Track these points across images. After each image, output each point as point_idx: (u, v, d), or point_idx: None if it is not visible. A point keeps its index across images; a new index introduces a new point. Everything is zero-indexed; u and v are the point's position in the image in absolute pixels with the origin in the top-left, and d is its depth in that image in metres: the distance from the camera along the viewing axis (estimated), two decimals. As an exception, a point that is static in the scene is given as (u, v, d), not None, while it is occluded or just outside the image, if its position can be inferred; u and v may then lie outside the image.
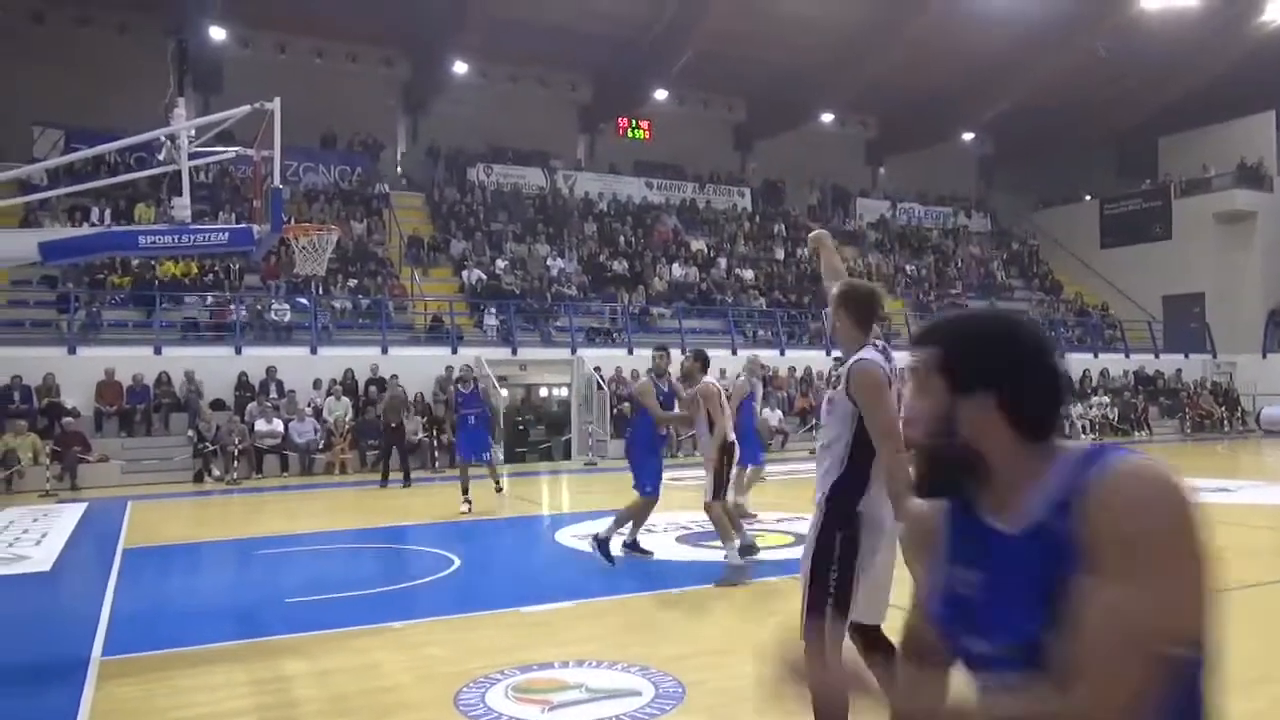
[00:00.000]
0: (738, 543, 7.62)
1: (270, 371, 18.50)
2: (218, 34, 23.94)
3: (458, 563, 8.65)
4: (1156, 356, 29.10)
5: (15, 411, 16.38)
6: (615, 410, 20.39)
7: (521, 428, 21.19)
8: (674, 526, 9.88)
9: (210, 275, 20.58)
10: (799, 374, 23.07)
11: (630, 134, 30.88)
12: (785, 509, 10.84)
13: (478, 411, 12.56)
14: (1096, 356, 28.26)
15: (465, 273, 23.46)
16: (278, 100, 6.63)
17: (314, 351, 19.45)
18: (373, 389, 18.66)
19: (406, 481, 15.48)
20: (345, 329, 20.90)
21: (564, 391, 22.27)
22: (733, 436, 7.76)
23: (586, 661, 5.29)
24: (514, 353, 21.20)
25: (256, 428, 17.26)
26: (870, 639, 3.55)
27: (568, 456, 20.87)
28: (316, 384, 18.78)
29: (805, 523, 3.66)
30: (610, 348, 22.22)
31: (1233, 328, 28.98)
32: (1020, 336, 1.41)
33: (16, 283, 19.08)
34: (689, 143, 30.83)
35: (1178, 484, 1.28)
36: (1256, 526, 10.74)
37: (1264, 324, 29.08)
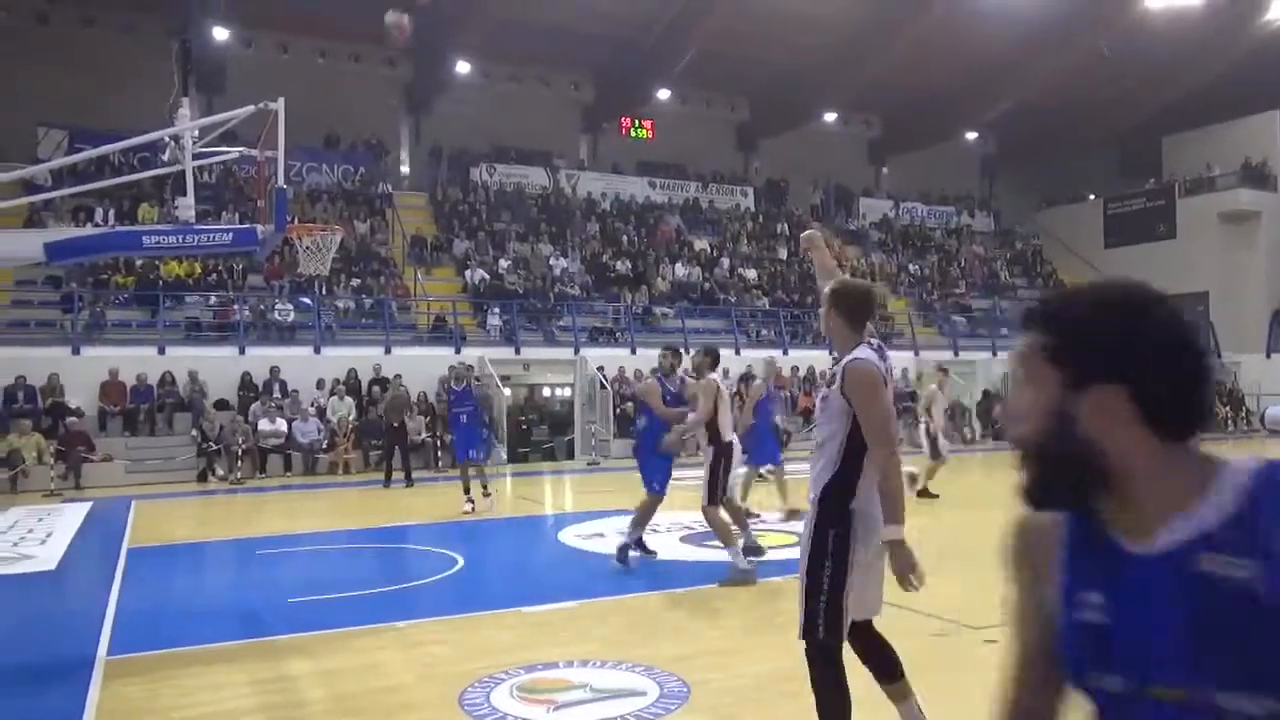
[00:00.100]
0: (741, 544, 7.61)
1: (274, 371, 18.52)
2: (221, 34, 23.96)
3: (461, 562, 8.65)
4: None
5: (20, 411, 16.41)
6: (618, 410, 20.40)
7: (524, 427, 21.18)
8: (678, 526, 9.87)
9: (214, 275, 20.59)
10: (802, 374, 23.06)
11: (633, 133, 30.88)
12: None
13: (470, 410, 12.42)
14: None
15: (468, 272, 23.47)
16: (281, 100, 6.63)
17: (317, 351, 19.47)
18: (376, 389, 18.67)
19: (409, 481, 15.49)
20: (348, 329, 20.91)
21: (567, 391, 22.27)
22: (729, 437, 7.66)
23: (591, 661, 5.28)
24: (517, 352, 21.20)
25: (260, 427, 17.28)
26: (861, 634, 3.53)
27: (570, 456, 20.87)
28: (320, 384, 18.79)
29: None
30: (613, 347, 22.22)
31: (1237, 327, 28.92)
32: (1154, 313, 1.17)
33: (21, 283, 19.11)
34: (692, 142, 30.83)
35: None
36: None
37: (1268, 324, 29.02)
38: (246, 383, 18.33)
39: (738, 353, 21.50)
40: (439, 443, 18.12)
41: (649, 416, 8.29)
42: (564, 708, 4.58)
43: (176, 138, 6.83)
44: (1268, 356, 28.47)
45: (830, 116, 31.31)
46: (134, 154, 17.23)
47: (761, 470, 10.99)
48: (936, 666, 5.03)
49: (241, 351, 18.85)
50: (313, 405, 18.19)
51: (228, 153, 7.89)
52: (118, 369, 17.46)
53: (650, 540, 8.71)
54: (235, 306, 19.77)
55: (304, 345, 19.56)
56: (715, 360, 7.89)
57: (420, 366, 19.23)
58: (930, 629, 5.89)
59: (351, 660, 5.52)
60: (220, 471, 16.61)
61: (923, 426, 13.01)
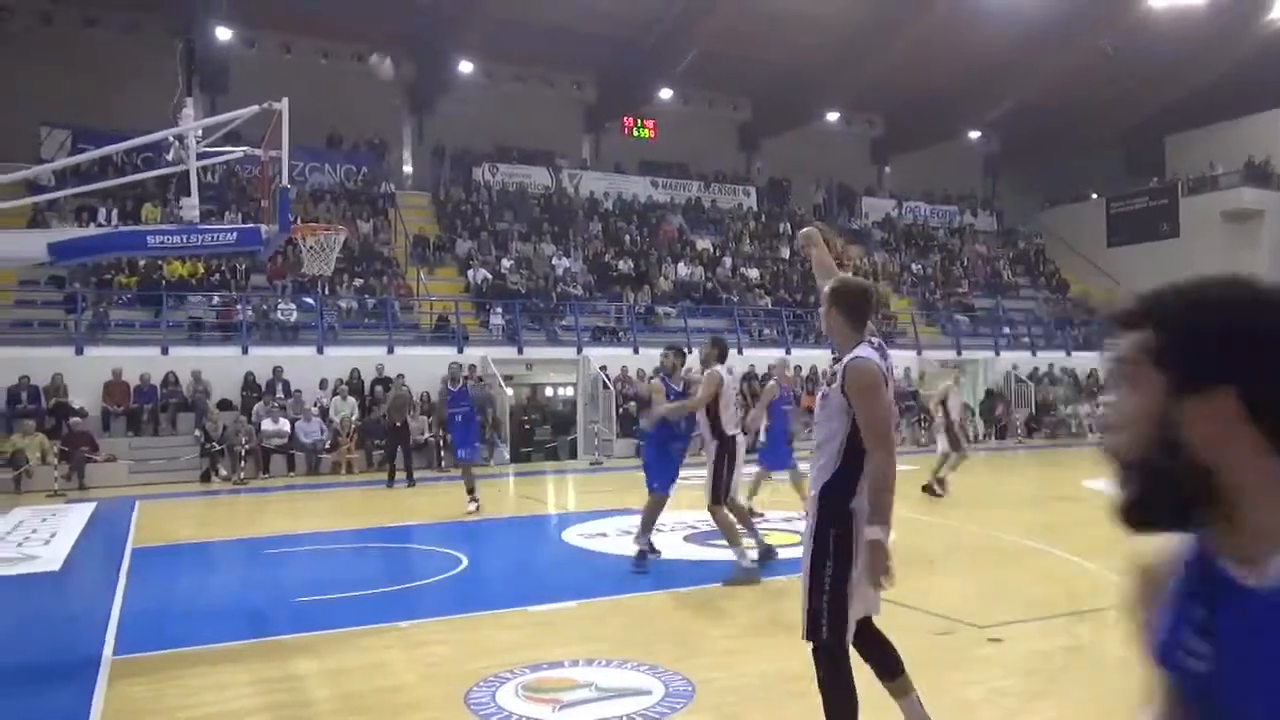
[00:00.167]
0: (748, 544, 7.59)
1: (277, 371, 18.54)
2: (224, 34, 24.00)
3: (465, 562, 8.65)
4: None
5: (23, 411, 16.43)
6: (621, 409, 20.41)
7: (527, 427, 21.18)
8: (681, 526, 9.87)
9: (217, 275, 20.61)
10: (804, 373, 23.05)
11: (635, 133, 30.88)
12: (792, 508, 10.81)
13: (465, 410, 12.38)
14: (1104, 355, 28.11)
15: (471, 272, 23.47)
16: (285, 100, 6.64)
17: (320, 351, 19.48)
18: (379, 389, 18.68)
19: (411, 481, 15.50)
20: (351, 329, 20.92)
21: (569, 391, 22.27)
22: (732, 431, 7.61)
23: (596, 660, 5.28)
24: (520, 352, 21.21)
25: (263, 427, 17.29)
26: (861, 631, 3.53)
27: (573, 456, 20.87)
28: (323, 384, 18.81)
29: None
30: (616, 347, 22.22)
31: (1240, 326, 28.85)
32: (1272, 310, 1.04)
33: (24, 283, 19.14)
34: (694, 142, 30.83)
35: None
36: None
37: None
38: (250, 383, 18.35)
39: (740, 352, 21.47)
40: (441, 443, 18.14)
41: (652, 417, 8.27)
42: (569, 707, 4.58)
43: (181, 138, 6.84)
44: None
45: (833, 116, 31.29)
46: (137, 154, 17.22)
47: (774, 475, 10.90)
48: (938, 664, 5.04)
49: (244, 351, 18.86)
50: (316, 405, 18.20)
51: (231, 152, 7.90)
52: (121, 369, 17.48)
53: (654, 540, 8.67)
54: (238, 306, 19.78)
55: (307, 345, 19.57)
56: (723, 353, 7.84)
57: (423, 366, 19.22)
58: (932, 627, 5.90)
59: (357, 660, 5.53)
60: (223, 472, 16.62)
61: (940, 421, 13.01)
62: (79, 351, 17.71)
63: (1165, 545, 1.14)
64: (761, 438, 10.90)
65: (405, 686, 5.03)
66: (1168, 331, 1.06)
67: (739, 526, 7.70)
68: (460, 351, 20.11)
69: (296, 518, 12.98)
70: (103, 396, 17.33)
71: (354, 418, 18.25)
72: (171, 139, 6.93)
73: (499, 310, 22.00)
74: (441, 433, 18.07)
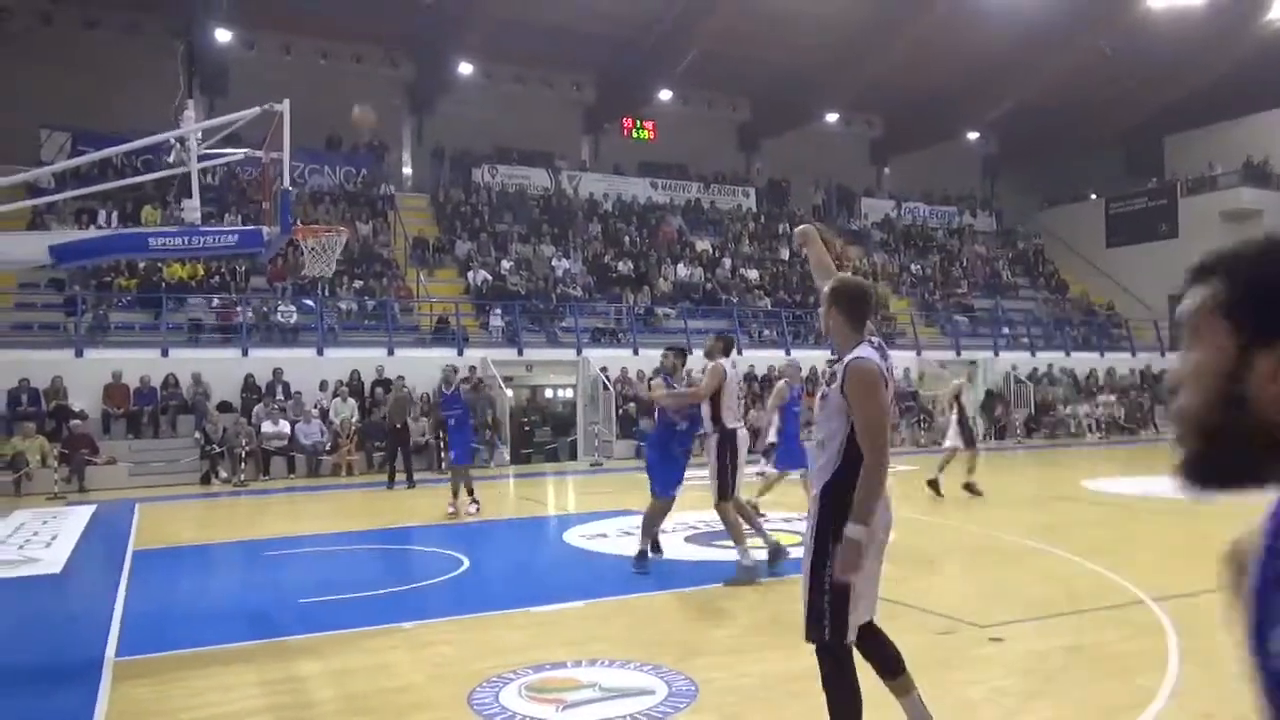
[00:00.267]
0: (755, 543, 7.56)
1: (277, 373, 18.55)
2: (223, 36, 24.01)
3: (466, 563, 8.66)
4: (1163, 355, 29.01)
5: (23, 414, 16.43)
6: (621, 411, 20.42)
7: (527, 429, 21.18)
8: (683, 526, 9.88)
9: (216, 277, 20.62)
10: (804, 374, 23.04)
11: (635, 134, 30.91)
12: (793, 508, 10.82)
13: (458, 414, 12.19)
14: (1103, 355, 28.24)
15: (470, 274, 23.49)
16: (286, 102, 6.65)
17: (320, 353, 19.49)
18: (379, 390, 18.69)
19: (411, 483, 15.50)
20: (351, 330, 20.94)
21: (569, 392, 22.28)
22: (734, 424, 7.50)
23: (599, 660, 5.29)
24: (519, 353, 21.22)
25: (263, 429, 17.30)
26: (862, 630, 3.53)
27: (573, 457, 20.88)
28: (323, 385, 18.81)
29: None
30: (616, 348, 22.24)
31: (1239, 326, 28.89)
32: None
33: (24, 286, 19.14)
34: (693, 143, 30.85)
35: None
36: (1265, 525, 10.71)
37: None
38: (249, 385, 18.35)
39: (740, 353, 21.46)
40: (442, 444, 18.13)
41: (655, 419, 8.26)
42: (573, 707, 4.59)
43: (182, 139, 6.85)
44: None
45: (832, 116, 31.33)
46: (136, 156, 17.23)
47: (791, 475, 10.88)
48: (940, 664, 5.05)
49: (244, 353, 18.87)
50: (315, 407, 18.20)
51: (233, 154, 7.91)
52: (121, 371, 17.49)
53: (660, 540, 8.65)
54: (238, 308, 19.79)
55: (307, 347, 19.59)
56: (727, 347, 7.75)
57: (423, 368, 19.23)
58: (934, 626, 5.91)
59: (361, 660, 5.54)
60: (223, 474, 16.62)
61: (954, 418, 13.03)
62: (79, 354, 17.72)
63: (1254, 528, 1.07)
64: (773, 438, 10.91)
65: (409, 687, 5.04)
66: (1237, 284, 1.02)
67: (745, 526, 7.65)
68: (460, 353, 20.15)
69: (297, 520, 12.99)
70: (103, 399, 17.33)
71: (354, 419, 18.25)
72: (173, 141, 6.94)
73: (499, 312, 22.01)
74: (440, 435, 18.09)
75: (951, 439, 13.02)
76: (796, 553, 8.18)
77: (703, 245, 27.83)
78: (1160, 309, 30.87)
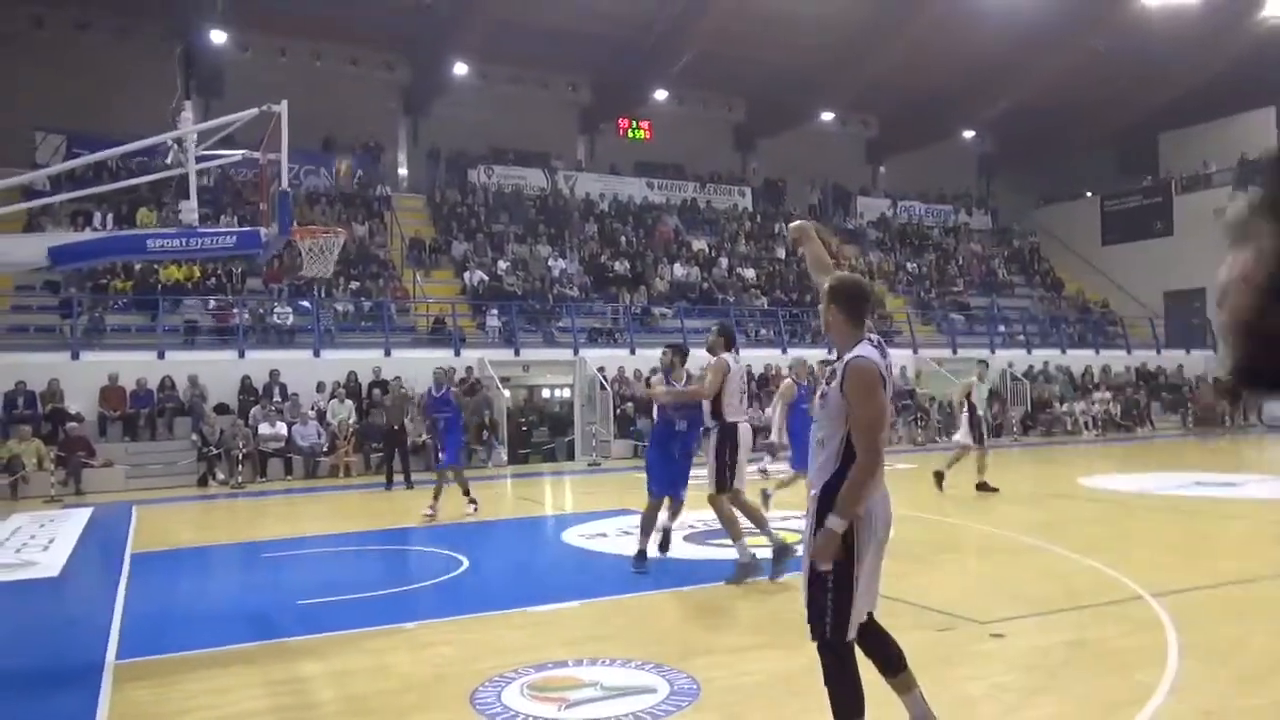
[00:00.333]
0: (759, 541, 7.52)
1: (273, 375, 18.53)
2: (218, 38, 23.97)
3: (466, 563, 8.66)
4: (1158, 352, 29.12)
5: (19, 417, 16.41)
6: (618, 411, 20.43)
7: (524, 429, 21.18)
8: (682, 525, 9.86)
9: (213, 279, 20.60)
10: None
11: (631, 134, 30.91)
12: (792, 507, 10.84)
13: (448, 416, 12.05)
14: (1098, 353, 28.30)
15: (467, 274, 23.49)
16: (284, 103, 6.63)
17: (317, 354, 19.47)
18: (376, 391, 18.67)
19: (409, 483, 15.50)
20: (348, 332, 20.93)
21: (566, 392, 22.28)
22: (735, 418, 7.40)
23: (600, 659, 5.30)
24: (516, 354, 21.22)
25: (260, 431, 17.28)
26: (863, 627, 3.54)
27: (571, 457, 20.87)
28: (320, 387, 18.79)
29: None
30: (612, 348, 22.25)
31: (1234, 323, 28.94)
32: None
33: (20, 288, 19.11)
34: (689, 143, 30.88)
35: None
36: (1263, 520, 10.75)
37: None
38: (246, 386, 18.33)
39: (737, 352, 21.46)
40: (439, 445, 18.09)
41: (656, 418, 8.23)
42: (575, 705, 4.59)
43: (179, 141, 6.84)
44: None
45: (828, 116, 31.36)
46: (131, 158, 17.21)
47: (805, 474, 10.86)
48: (940, 660, 5.06)
49: (241, 355, 18.86)
50: (313, 408, 18.19)
51: (230, 156, 7.91)
52: (117, 374, 17.46)
53: (655, 540, 8.61)
54: (234, 310, 19.77)
55: (303, 348, 19.57)
56: (730, 340, 7.63)
57: (420, 369, 19.16)
58: (934, 623, 5.92)
59: (362, 661, 5.54)
60: (221, 476, 16.60)
61: (965, 417, 13.07)
62: (75, 356, 17.69)
63: None
64: (775, 436, 10.91)
65: (411, 688, 5.04)
66: None
67: (748, 524, 7.54)
68: (457, 354, 20.16)
69: (295, 521, 12.98)
70: (99, 401, 17.30)
71: (351, 421, 18.24)
72: (170, 143, 6.93)
73: (495, 312, 22.02)
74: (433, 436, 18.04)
75: (962, 436, 13.07)
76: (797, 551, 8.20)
77: (699, 245, 27.85)
78: (1155, 306, 30.98)
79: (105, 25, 23.97)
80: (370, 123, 27.18)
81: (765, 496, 10.52)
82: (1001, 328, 28.52)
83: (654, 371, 8.99)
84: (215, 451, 16.76)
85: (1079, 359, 27.54)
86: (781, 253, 28.70)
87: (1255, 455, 20.76)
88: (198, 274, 20.44)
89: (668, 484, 7.94)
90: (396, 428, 15.95)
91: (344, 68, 26.54)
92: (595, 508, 12.51)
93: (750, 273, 27.20)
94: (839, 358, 3.60)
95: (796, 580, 6.71)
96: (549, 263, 24.95)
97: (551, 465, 20.19)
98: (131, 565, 9.05)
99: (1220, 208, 29.64)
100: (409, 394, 17.12)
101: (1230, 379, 1.02)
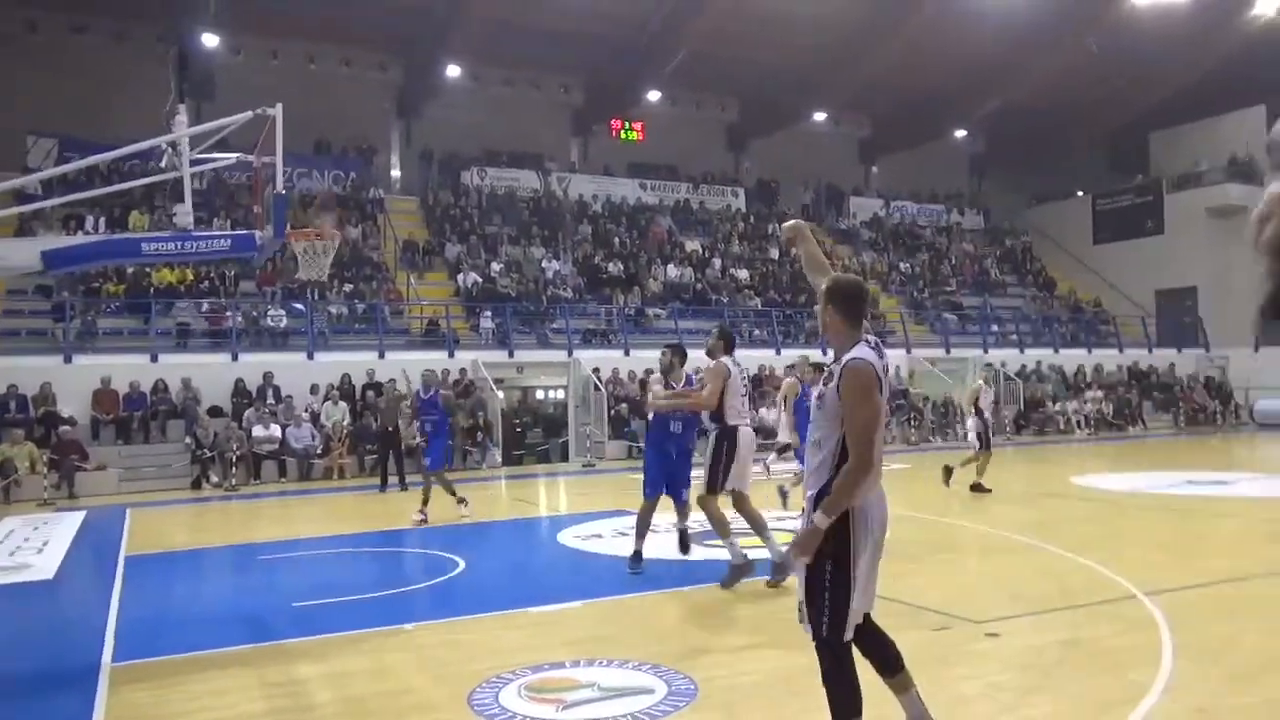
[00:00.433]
0: (750, 543, 7.51)
1: (267, 377, 18.49)
2: (210, 40, 23.92)
3: (462, 565, 8.66)
4: (1150, 351, 29.23)
5: (11, 421, 16.36)
6: (612, 412, 20.44)
7: (519, 430, 21.18)
8: (677, 526, 9.87)
9: (206, 282, 20.56)
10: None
11: (624, 135, 30.92)
12: (790, 507, 10.86)
13: (435, 418, 11.95)
14: (1090, 352, 28.41)
15: (461, 276, 23.49)
16: (279, 106, 6.63)
17: (310, 357, 19.44)
18: (370, 393, 18.64)
19: (403, 485, 15.48)
20: (341, 334, 20.90)
21: (561, 394, 22.30)
22: (735, 421, 7.32)
23: (598, 660, 5.31)
24: (510, 355, 21.21)
25: (254, 434, 17.24)
26: (860, 627, 3.55)
27: (565, 458, 20.88)
28: (314, 389, 18.76)
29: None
30: (607, 349, 22.26)
31: (1225, 322, 29.10)
32: None
33: (12, 292, 19.05)
34: (682, 143, 30.92)
35: None
36: (1254, 519, 10.82)
37: (1256, 318, 29.16)
38: (240, 389, 18.29)
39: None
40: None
41: (651, 420, 8.22)
42: (573, 706, 4.61)
43: (174, 145, 6.83)
44: (1256, 351, 28.65)
45: (820, 116, 31.41)
46: (123, 161, 17.18)
47: None
48: (936, 660, 5.09)
49: (234, 358, 18.82)
50: (306, 411, 18.16)
51: (225, 159, 7.88)
52: (110, 377, 17.41)
53: (650, 541, 8.57)
54: (227, 313, 19.73)
55: (297, 351, 19.54)
56: (729, 344, 7.53)
57: (413, 371, 19.10)
58: (930, 623, 5.95)
59: (359, 663, 5.54)
60: (214, 478, 16.57)
61: (971, 420, 13.16)
62: (67, 360, 17.64)
63: None
64: (784, 436, 10.93)
65: (409, 689, 5.05)
66: None
67: (731, 528, 7.50)
68: (451, 355, 20.17)
69: (290, 523, 12.98)
70: (92, 405, 17.25)
71: (345, 423, 18.22)
72: (164, 146, 6.92)
73: (489, 314, 22.01)
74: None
75: (972, 439, 13.19)
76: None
77: (692, 245, 27.88)
78: (1147, 305, 31.10)
79: (99, 29, 23.91)
80: (363, 125, 27.17)
81: (783, 494, 10.56)
82: (994, 327, 28.61)
83: (648, 373, 8.98)
84: (209, 454, 16.73)
85: (1071, 358, 27.65)
86: (775, 253, 28.76)
87: (1246, 454, 20.86)
88: (191, 277, 20.40)
89: (662, 485, 7.94)
90: (391, 429, 15.94)
91: (336, 70, 26.52)
92: (590, 509, 12.53)
93: (744, 273, 27.23)
94: (836, 359, 3.62)
95: (792, 579, 6.72)
96: (542, 264, 24.96)
97: (546, 466, 20.20)
98: (126, 568, 9.04)
99: (1212, 206, 29.88)
100: (404, 395, 17.12)
101: (1269, 304, 0.96)
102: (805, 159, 32.06)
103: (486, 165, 28.14)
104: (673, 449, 7.86)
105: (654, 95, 29.10)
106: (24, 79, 22.39)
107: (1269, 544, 9.14)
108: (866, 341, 3.56)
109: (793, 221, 4.32)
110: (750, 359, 21.97)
